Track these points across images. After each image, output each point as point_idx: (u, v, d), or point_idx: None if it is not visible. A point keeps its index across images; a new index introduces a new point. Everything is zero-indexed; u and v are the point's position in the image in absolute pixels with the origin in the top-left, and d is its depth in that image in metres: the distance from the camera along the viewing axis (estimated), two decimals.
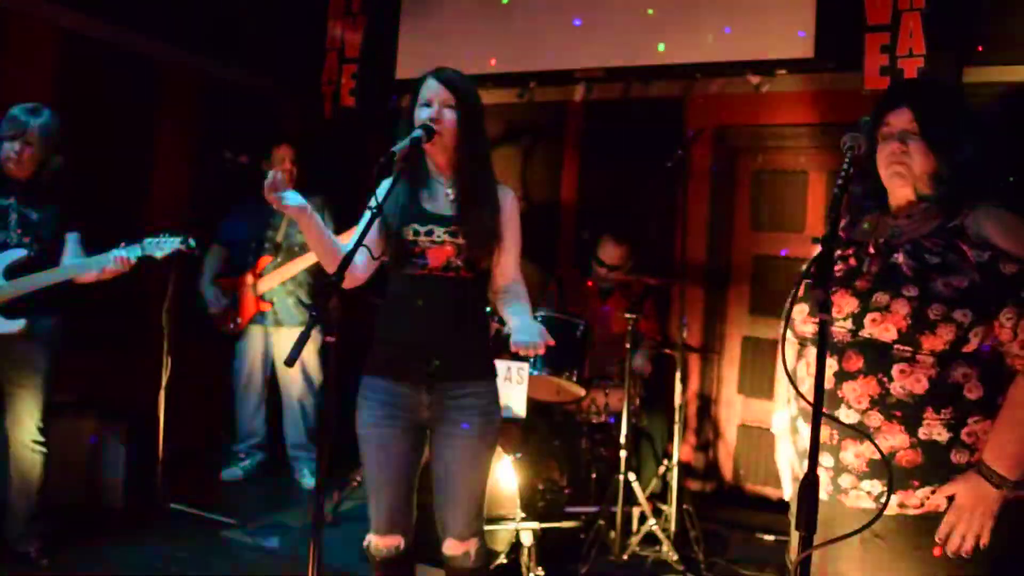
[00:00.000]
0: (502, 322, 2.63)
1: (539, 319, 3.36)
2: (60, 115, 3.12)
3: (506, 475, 3.12)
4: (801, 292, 1.72)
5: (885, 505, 1.44)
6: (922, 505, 1.61)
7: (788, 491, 1.92)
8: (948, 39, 3.72)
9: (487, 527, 2.37)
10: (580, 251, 4.69)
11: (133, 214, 4.33)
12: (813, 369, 1.66)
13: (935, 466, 1.59)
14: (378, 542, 2.24)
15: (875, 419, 1.62)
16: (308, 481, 4.35)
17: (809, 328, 1.73)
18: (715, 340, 4.58)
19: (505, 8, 4.79)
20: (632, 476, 3.45)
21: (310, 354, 4.39)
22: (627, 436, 3.47)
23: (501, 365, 3.17)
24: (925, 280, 1.59)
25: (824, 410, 1.39)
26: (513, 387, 3.29)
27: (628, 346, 3.56)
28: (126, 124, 4.38)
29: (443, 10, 4.95)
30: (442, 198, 2.22)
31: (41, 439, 3.08)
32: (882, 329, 1.60)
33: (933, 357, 1.59)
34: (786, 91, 4.30)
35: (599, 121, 4.84)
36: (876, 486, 1.62)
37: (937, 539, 1.59)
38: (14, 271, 2.96)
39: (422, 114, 2.13)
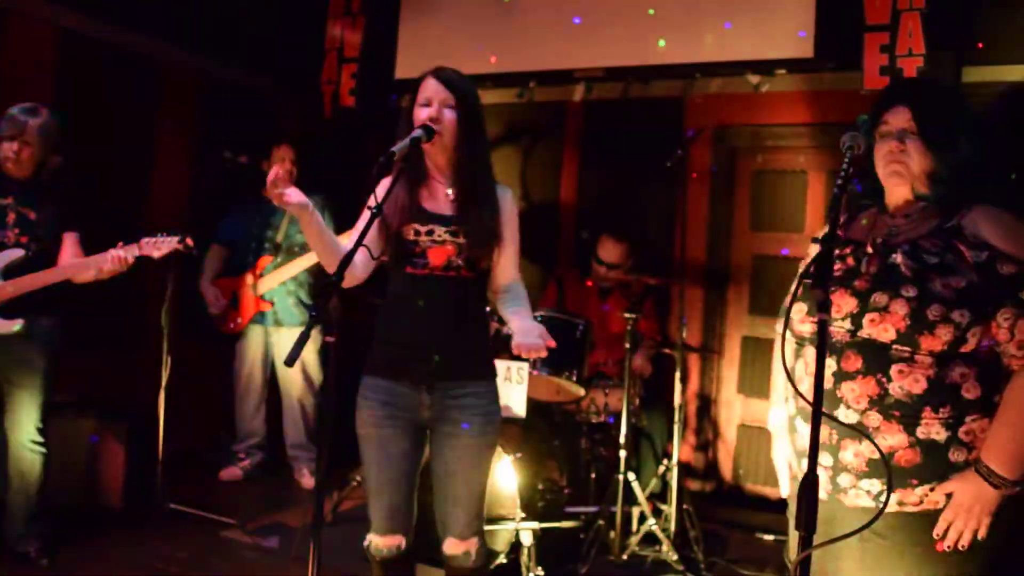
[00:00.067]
0: (502, 322, 2.63)
1: (539, 319, 3.36)
2: (60, 115, 3.12)
3: (506, 475, 3.12)
4: (799, 291, 1.72)
5: (885, 505, 1.44)
6: (921, 503, 1.61)
7: (785, 488, 1.93)
8: (947, 39, 3.72)
9: (487, 527, 2.37)
10: (580, 251, 4.69)
11: (133, 214, 4.33)
12: (812, 369, 1.67)
13: (933, 465, 1.60)
14: (379, 542, 2.24)
15: (874, 419, 1.62)
16: (308, 481, 4.35)
17: (807, 328, 1.74)
18: (715, 340, 4.58)
19: (505, 8, 4.79)
20: (632, 476, 3.45)
21: (310, 354, 4.40)
22: (627, 436, 3.47)
23: (501, 365, 3.17)
24: (924, 280, 1.59)
25: (823, 410, 1.39)
26: (513, 387, 3.29)
27: (628, 346, 3.56)
28: (126, 124, 4.39)
29: (442, 10, 4.95)
30: (442, 198, 2.22)
31: (40, 439, 3.08)
32: (881, 329, 1.61)
33: (931, 357, 1.59)
34: (786, 91, 4.31)
35: (599, 121, 4.84)
36: (875, 485, 1.63)
37: (935, 535, 1.60)
38: (12, 271, 2.96)
39: (422, 113, 2.13)
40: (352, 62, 5.08)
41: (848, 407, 1.64)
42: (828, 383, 1.65)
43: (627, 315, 3.56)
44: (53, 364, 3.09)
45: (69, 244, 3.11)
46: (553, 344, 2.10)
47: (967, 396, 1.60)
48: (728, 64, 4.29)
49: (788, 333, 1.81)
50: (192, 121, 4.76)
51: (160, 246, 3.03)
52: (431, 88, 2.15)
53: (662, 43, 4.35)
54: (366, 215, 2.04)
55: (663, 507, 3.61)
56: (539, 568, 3.10)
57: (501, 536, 3.09)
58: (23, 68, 3.89)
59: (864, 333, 1.63)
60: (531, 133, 4.99)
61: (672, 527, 3.50)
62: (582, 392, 3.62)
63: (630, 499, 3.47)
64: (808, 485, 1.36)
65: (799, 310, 1.74)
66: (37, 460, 3.08)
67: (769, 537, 3.86)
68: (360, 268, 2.15)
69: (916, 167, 1.71)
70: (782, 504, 1.91)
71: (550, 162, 4.98)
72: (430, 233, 2.16)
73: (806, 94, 4.28)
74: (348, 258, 1.86)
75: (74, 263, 3.03)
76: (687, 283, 4.34)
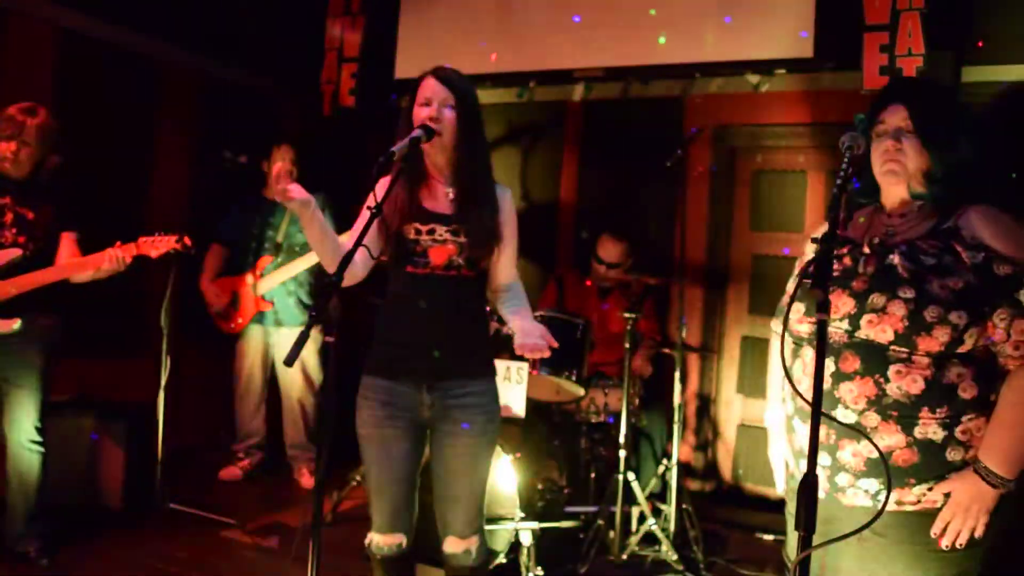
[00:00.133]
0: (502, 321, 2.63)
1: (539, 319, 3.36)
2: (60, 115, 3.12)
3: (505, 475, 3.12)
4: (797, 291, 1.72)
5: (884, 505, 1.44)
6: (919, 502, 1.62)
7: (781, 486, 1.93)
8: (947, 38, 3.72)
9: (486, 527, 2.37)
10: (580, 251, 4.69)
11: (133, 214, 4.33)
12: (810, 369, 1.68)
13: (931, 464, 1.61)
14: (380, 540, 2.24)
15: (872, 419, 1.62)
16: (307, 481, 4.35)
17: (804, 328, 1.74)
18: (714, 340, 4.58)
19: (504, 8, 4.79)
20: (631, 476, 3.45)
21: (310, 354, 4.40)
22: (626, 436, 3.47)
23: (500, 365, 3.17)
24: (921, 282, 1.59)
25: (822, 410, 1.40)
26: (512, 387, 3.29)
27: (627, 346, 3.56)
28: (126, 124, 4.39)
29: (442, 10, 4.95)
30: (442, 197, 2.22)
31: (39, 439, 3.08)
32: (879, 331, 1.61)
33: (929, 358, 1.59)
34: (785, 91, 4.31)
35: (598, 121, 4.85)
36: (874, 484, 1.63)
37: (932, 534, 1.60)
38: (9, 271, 2.96)
39: (421, 113, 2.13)
40: (352, 62, 5.08)
41: (846, 407, 1.64)
42: (826, 384, 1.65)
43: (627, 315, 3.56)
44: (51, 363, 3.09)
45: (67, 244, 3.11)
46: (556, 344, 2.11)
47: (964, 396, 1.60)
48: (728, 64, 4.29)
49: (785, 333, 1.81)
50: (192, 121, 4.77)
51: (158, 245, 3.03)
52: (431, 87, 2.15)
53: (663, 39, 4.35)
54: (365, 215, 2.05)
55: (663, 507, 3.61)
56: (539, 568, 3.10)
57: (501, 536, 3.09)
58: (23, 68, 3.90)
59: (862, 334, 1.63)
60: (531, 133, 4.99)
61: (672, 527, 3.49)
62: (582, 392, 3.62)
63: (630, 499, 3.47)
64: (807, 485, 1.36)
65: (795, 310, 1.74)
66: (36, 460, 3.08)
67: (769, 537, 3.87)
68: (360, 267, 2.16)
69: (912, 166, 1.71)
70: (782, 504, 1.91)
71: (550, 162, 4.98)
72: (431, 232, 2.16)
73: (806, 94, 4.28)
74: (348, 258, 1.86)
75: (71, 262, 3.03)
76: (687, 283, 4.34)
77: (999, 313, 1.58)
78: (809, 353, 1.72)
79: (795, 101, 4.31)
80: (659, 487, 3.72)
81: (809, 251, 1.90)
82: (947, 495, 1.60)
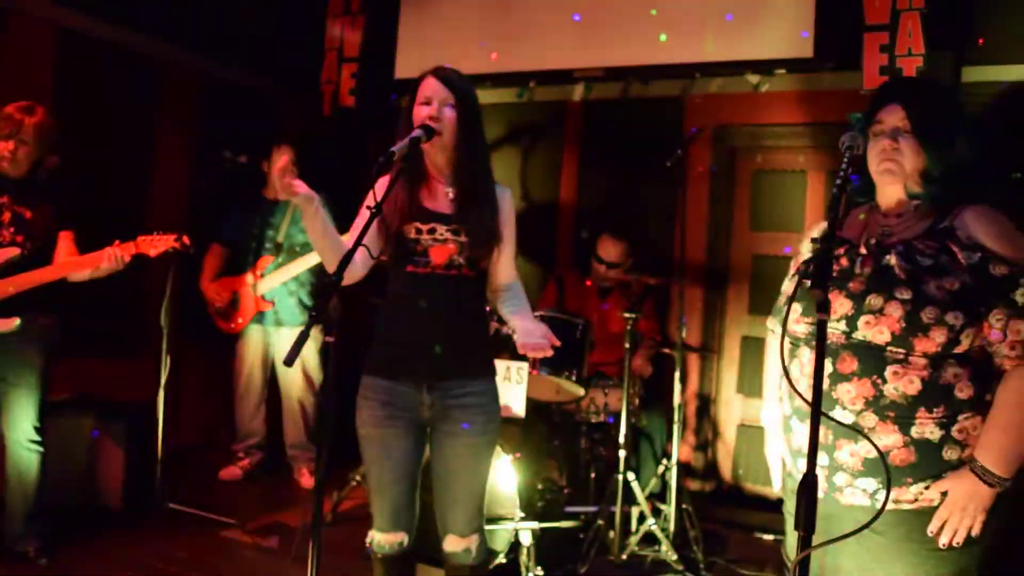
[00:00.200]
0: (502, 321, 2.63)
1: (539, 319, 3.36)
2: (60, 115, 3.12)
3: (505, 475, 3.12)
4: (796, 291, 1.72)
5: (884, 505, 1.45)
6: (916, 500, 1.62)
7: (777, 484, 1.93)
8: (947, 39, 3.72)
9: (486, 527, 2.37)
10: (580, 251, 4.69)
11: (133, 214, 4.33)
12: (807, 369, 1.68)
13: (928, 463, 1.61)
14: (381, 539, 2.25)
15: (869, 419, 1.62)
16: (307, 481, 4.35)
17: (802, 328, 1.74)
18: (714, 340, 4.58)
19: (504, 8, 4.79)
20: (631, 476, 3.45)
21: (310, 354, 4.40)
22: (626, 436, 3.47)
23: (500, 365, 3.17)
24: (918, 283, 1.60)
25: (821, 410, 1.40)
26: (512, 387, 3.29)
27: (627, 346, 3.56)
28: (126, 124, 4.39)
29: (442, 9, 4.96)
30: (442, 197, 2.22)
31: (38, 438, 3.08)
32: (876, 332, 1.61)
33: (925, 359, 1.60)
34: (785, 91, 4.31)
35: (598, 121, 4.85)
36: (871, 484, 1.64)
37: (929, 532, 1.61)
38: (7, 270, 2.96)
39: (421, 112, 2.13)
40: (352, 62, 5.08)
41: (844, 408, 1.65)
42: (824, 384, 1.65)
43: (627, 315, 3.56)
44: (50, 363, 3.09)
45: (65, 243, 3.11)
46: (558, 343, 2.11)
47: (960, 396, 1.61)
48: (728, 64, 4.29)
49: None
50: (192, 121, 4.77)
51: (156, 244, 3.04)
52: (431, 87, 2.15)
53: (663, 37, 4.34)
54: (365, 214, 2.04)
55: (662, 507, 3.61)
56: (538, 568, 3.10)
57: (501, 536, 3.09)
58: (23, 68, 3.90)
59: (859, 335, 1.63)
60: (531, 133, 4.99)
61: (671, 527, 3.49)
62: (582, 392, 3.62)
63: (629, 499, 3.46)
64: (807, 485, 1.36)
65: (793, 310, 1.74)
66: (35, 459, 3.08)
67: (768, 537, 3.86)
68: (360, 267, 2.16)
69: (909, 165, 1.71)
70: (781, 504, 1.91)
71: (550, 162, 4.98)
72: (432, 231, 2.16)
73: (806, 94, 4.28)
74: (348, 257, 1.86)
75: (70, 261, 3.03)
76: (687, 283, 4.34)
77: (995, 314, 1.59)
78: (806, 353, 1.72)
79: (795, 101, 4.31)
80: (659, 487, 3.72)
81: (805, 250, 1.91)
82: (943, 494, 1.60)
